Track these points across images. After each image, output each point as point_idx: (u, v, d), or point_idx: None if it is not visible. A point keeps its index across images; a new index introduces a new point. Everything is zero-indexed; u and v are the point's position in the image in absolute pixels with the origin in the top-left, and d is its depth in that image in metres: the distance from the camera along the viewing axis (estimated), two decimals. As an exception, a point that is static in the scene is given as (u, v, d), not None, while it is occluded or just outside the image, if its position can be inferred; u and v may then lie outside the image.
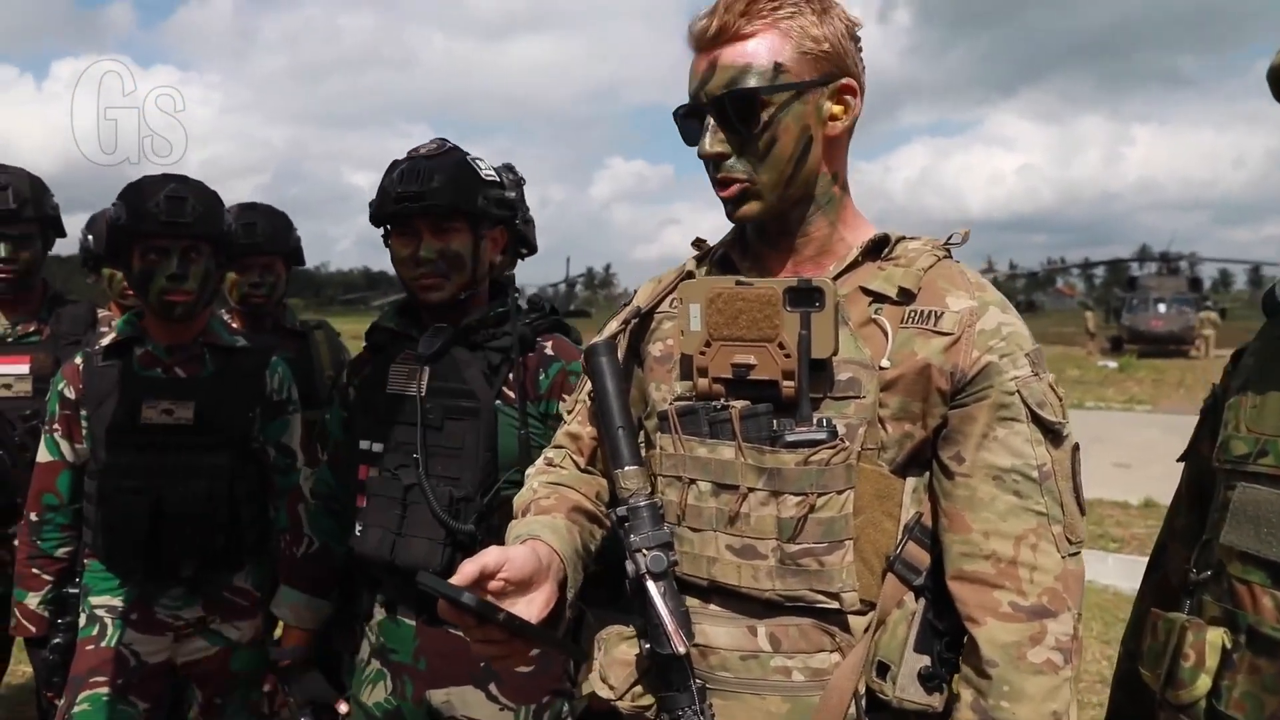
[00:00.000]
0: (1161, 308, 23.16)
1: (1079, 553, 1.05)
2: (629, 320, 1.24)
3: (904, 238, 1.14)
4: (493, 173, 1.79)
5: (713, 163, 1.10)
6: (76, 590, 2.07)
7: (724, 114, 1.07)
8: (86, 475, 2.03)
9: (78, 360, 2.05)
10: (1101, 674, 3.92)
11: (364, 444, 1.76)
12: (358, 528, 1.72)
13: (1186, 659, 1.16)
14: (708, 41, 1.07)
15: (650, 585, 1.03)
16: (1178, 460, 1.41)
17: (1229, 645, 1.14)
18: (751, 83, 1.05)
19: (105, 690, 1.95)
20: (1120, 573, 5.14)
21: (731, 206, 1.11)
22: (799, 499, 1.01)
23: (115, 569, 1.99)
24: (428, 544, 1.64)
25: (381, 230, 1.78)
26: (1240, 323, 27.78)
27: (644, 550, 1.04)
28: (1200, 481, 1.32)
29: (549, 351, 1.76)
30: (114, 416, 1.96)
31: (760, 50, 1.05)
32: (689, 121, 1.12)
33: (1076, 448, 1.07)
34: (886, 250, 1.12)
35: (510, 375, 1.71)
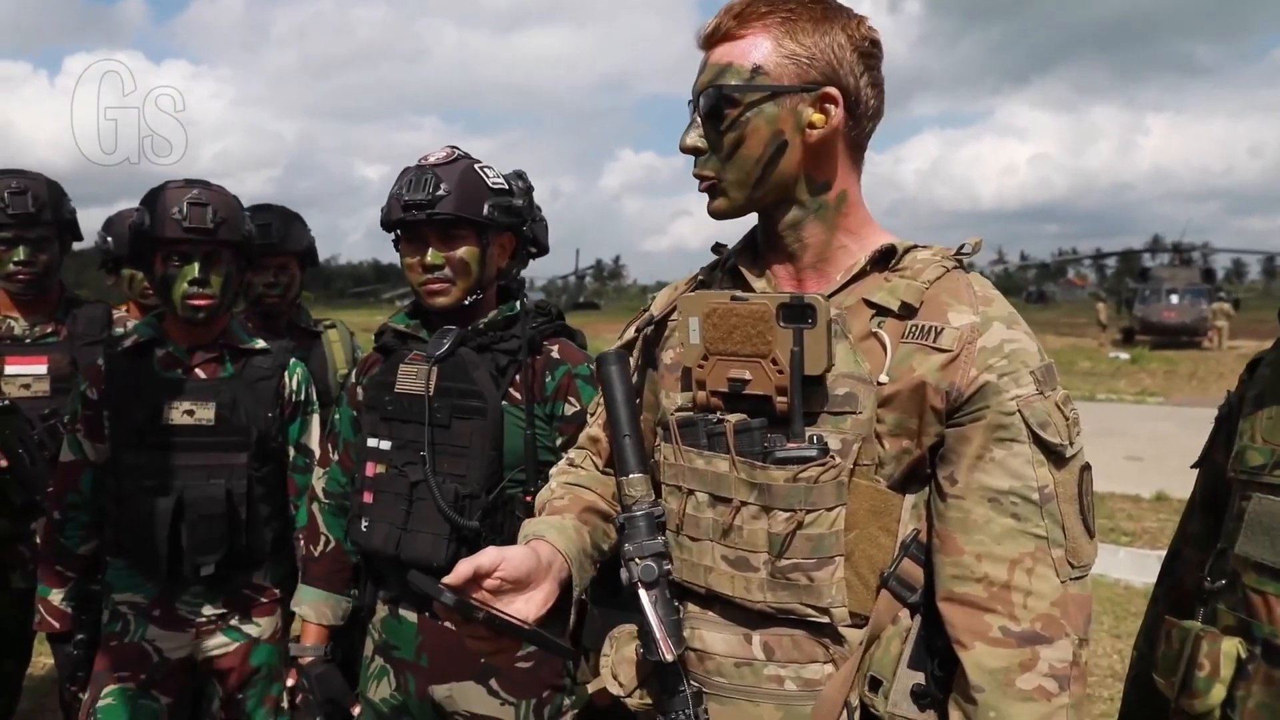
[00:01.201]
0: (1174, 299, 22.76)
1: (1083, 577, 1.00)
2: (643, 328, 1.26)
3: (914, 247, 1.11)
4: (501, 180, 1.81)
5: (693, 159, 1.13)
6: (99, 587, 2.12)
7: (703, 111, 1.10)
8: (108, 474, 2.07)
9: (99, 361, 2.10)
10: (1112, 668, 3.92)
11: (372, 441, 1.78)
12: (363, 523, 1.75)
13: (1201, 668, 1.16)
14: (705, 40, 1.11)
15: (642, 594, 1.04)
16: (1192, 467, 1.41)
17: (1244, 655, 1.15)
18: (729, 81, 1.07)
19: (129, 685, 2.00)
20: (1131, 566, 5.14)
21: (708, 202, 1.14)
22: (788, 515, 1.01)
23: (137, 567, 2.03)
24: (433, 539, 1.67)
25: (392, 235, 1.82)
26: (1254, 313, 27.48)
27: (637, 559, 1.05)
28: (1215, 488, 1.33)
29: (555, 355, 1.79)
30: (136, 417, 2.00)
31: (745, 52, 1.07)
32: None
33: (1086, 468, 1.02)
34: (894, 261, 1.09)
35: (517, 377, 1.75)
